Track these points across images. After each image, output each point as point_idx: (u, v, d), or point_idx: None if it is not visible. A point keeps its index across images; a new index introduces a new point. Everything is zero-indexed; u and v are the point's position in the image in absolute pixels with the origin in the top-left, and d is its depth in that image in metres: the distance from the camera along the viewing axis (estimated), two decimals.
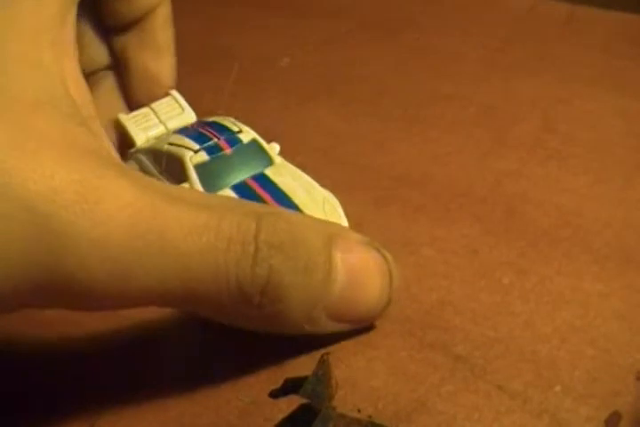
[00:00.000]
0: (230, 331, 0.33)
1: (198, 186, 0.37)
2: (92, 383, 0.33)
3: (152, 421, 0.31)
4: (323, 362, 0.31)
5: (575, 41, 0.55)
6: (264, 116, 0.47)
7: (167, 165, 0.39)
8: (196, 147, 0.38)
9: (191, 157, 0.38)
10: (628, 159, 0.44)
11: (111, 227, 0.27)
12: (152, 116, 0.42)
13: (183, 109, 0.42)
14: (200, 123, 0.41)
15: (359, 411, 0.31)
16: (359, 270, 0.32)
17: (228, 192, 0.37)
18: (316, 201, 0.37)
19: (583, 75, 0.52)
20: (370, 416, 0.31)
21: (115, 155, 0.32)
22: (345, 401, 0.31)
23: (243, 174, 0.38)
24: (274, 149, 0.41)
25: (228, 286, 0.29)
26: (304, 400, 0.29)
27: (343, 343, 0.34)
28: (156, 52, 0.42)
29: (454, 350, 0.33)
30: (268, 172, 0.38)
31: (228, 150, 0.38)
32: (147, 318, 0.35)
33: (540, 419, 0.30)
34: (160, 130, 0.41)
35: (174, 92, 0.42)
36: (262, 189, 0.37)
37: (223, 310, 0.30)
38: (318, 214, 0.36)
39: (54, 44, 0.31)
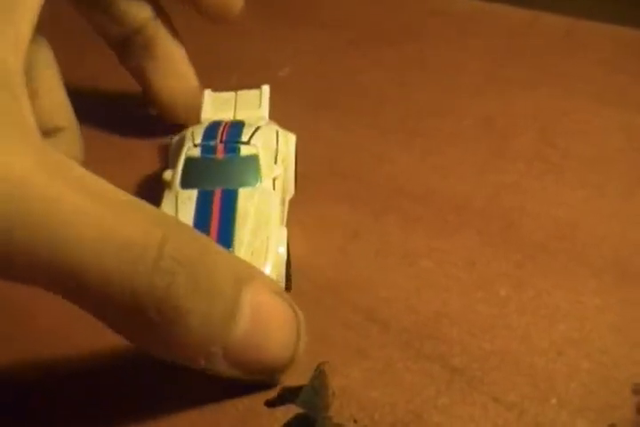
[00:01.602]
0: None
1: (178, 176, 0.38)
2: (85, 391, 0.33)
3: None
4: (319, 372, 0.31)
5: (575, 55, 0.55)
6: None
7: (178, 148, 0.40)
8: (198, 141, 0.39)
9: (188, 149, 0.39)
10: (626, 174, 0.44)
11: None
12: (232, 101, 0.44)
13: (260, 106, 0.43)
14: (231, 121, 0.41)
15: (355, 421, 0.31)
16: (266, 320, 0.30)
17: (193, 194, 0.37)
18: (255, 240, 0.35)
19: (583, 89, 0.52)
20: None
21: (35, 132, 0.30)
22: (341, 411, 0.31)
23: (219, 184, 0.37)
24: (290, 139, 0.42)
25: (121, 289, 0.27)
26: (300, 410, 0.29)
27: (340, 353, 0.34)
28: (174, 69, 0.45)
29: (451, 361, 0.33)
30: (242, 192, 0.37)
31: (221, 156, 0.38)
32: None
33: None
34: (227, 115, 0.43)
35: (265, 87, 0.44)
36: (219, 206, 0.36)
37: (111, 314, 0.28)
38: (243, 252, 0.35)
39: None
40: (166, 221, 0.30)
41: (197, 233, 0.31)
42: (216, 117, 0.42)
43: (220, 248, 0.31)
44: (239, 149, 0.39)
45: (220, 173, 0.38)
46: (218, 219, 0.36)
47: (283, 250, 0.36)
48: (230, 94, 0.44)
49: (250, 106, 0.43)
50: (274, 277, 0.35)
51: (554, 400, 0.32)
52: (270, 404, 0.31)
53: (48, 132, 0.42)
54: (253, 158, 0.39)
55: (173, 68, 0.46)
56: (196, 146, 0.39)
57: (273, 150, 0.40)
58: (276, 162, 0.40)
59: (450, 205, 0.42)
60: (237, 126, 0.40)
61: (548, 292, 0.36)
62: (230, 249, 0.35)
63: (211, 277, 0.28)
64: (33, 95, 0.39)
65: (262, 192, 0.37)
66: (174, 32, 0.47)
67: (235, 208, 0.36)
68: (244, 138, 0.39)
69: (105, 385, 0.33)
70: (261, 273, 0.32)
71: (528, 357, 0.33)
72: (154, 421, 0.31)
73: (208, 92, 0.44)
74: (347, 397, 0.32)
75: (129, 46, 0.46)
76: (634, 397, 0.32)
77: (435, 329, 0.35)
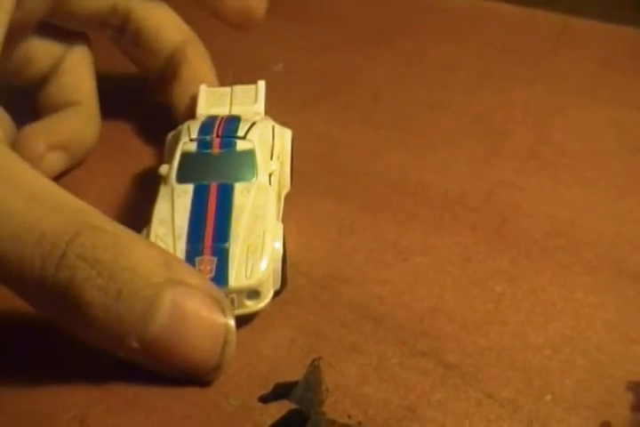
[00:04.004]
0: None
1: (174, 171, 0.38)
2: (82, 381, 0.32)
3: (141, 421, 0.31)
4: (313, 367, 0.31)
5: (570, 52, 0.55)
6: None
7: (174, 143, 0.40)
8: (194, 136, 0.39)
9: (184, 144, 0.39)
10: (621, 171, 0.44)
11: None
12: (227, 96, 0.44)
13: (256, 101, 0.43)
14: (227, 116, 0.41)
15: (349, 417, 0.31)
16: (187, 321, 0.31)
17: (189, 189, 0.37)
18: (251, 234, 0.35)
19: (577, 86, 0.52)
20: (360, 423, 0.31)
21: None
22: (335, 407, 0.31)
23: (215, 178, 0.37)
24: (286, 134, 0.41)
25: (31, 274, 0.30)
26: (294, 406, 0.29)
27: (334, 349, 0.34)
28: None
29: (445, 357, 0.33)
30: (238, 186, 0.37)
31: (217, 150, 0.38)
32: None
33: None
34: (223, 110, 0.42)
35: (261, 83, 0.44)
36: (215, 200, 0.36)
37: (30, 298, 0.32)
38: (239, 247, 0.35)
39: None
40: (86, 219, 0.31)
41: (123, 234, 0.32)
42: (211, 113, 0.42)
43: (149, 248, 0.32)
44: (235, 143, 0.39)
45: (216, 167, 0.38)
46: (214, 213, 0.36)
47: (279, 245, 0.35)
48: (226, 89, 0.44)
49: (245, 101, 0.43)
50: (269, 272, 0.34)
51: (548, 397, 0.31)
52: (264, 400, 0.31)
53: (61, 106, 0.45)
54: (249, 153, 0.38)
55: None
56: (192, 140, 0.39)
57: (269, 146, 0.40)
58: (272, 157, 0.39)
59: (445, 201, 0.42)
60: (233, 121, 0.40)
61: (544, 288, 0.36)
62: (226, 244, 0.35)
63: (125, 274, 0.30)
64: (54, 73, 0.45)
65: (258, 187, 0.37)
66: (202, 54, 0.48)
67: (231, 203, 0.36)
68: (241, 133, 0.39)
69: (99, 375, 0.33)
70: (200, 278, 0.33)
71: (523, 353, 0.33)
72: (147, 413, 0.31)
73: (203, 88, 0.44)
74: (341, 393, 0.32)
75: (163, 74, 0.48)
76: (629, 394, 0.32)
77: (429, 325, 0.35)
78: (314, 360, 0.31)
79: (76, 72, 0.46)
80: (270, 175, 0.38)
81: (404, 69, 0.54)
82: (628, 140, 0.46)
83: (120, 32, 0.47)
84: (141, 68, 0.49)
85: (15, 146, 0.41)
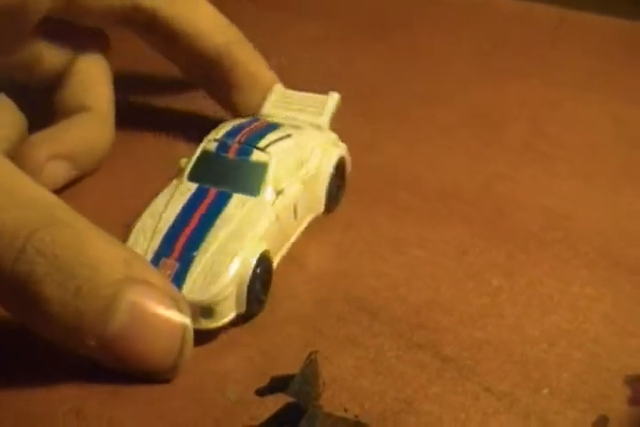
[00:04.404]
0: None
1: (189, 167, 0.37)
2: (77, 374, 0.32)
3: (137, 414, 0.31)
4: (310, 361, 0.31)
5: (566, 45, 0.55)
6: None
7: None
8: (219, 136, 0.38)
9: (207, 142, 0.38)
10: (617, 163, 0.44)
11: None
12: (296, 102, 0.42)
13: (322, 114, 0.42)
14: (266, 123, 0.40)
15: (346, 410, 0.31)
16: (146, 320, 0.31)
17: (192, 188, 0.36)
18: (223, 250, 0.34)
19: (573, 78, 0.52)
20: (356, 416, 0.30)
21: None
22: (332, 400, 0.31)
23: (219, 183, 0.36)
24: (331, 156, 0.40)
25: None
26: (291, 399, 0.29)
27: (331, 342, 0.34)
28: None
29: (442, 351, 0.33)
30: (235, 198, 0.36)
31: (232, 156, 0.37)
32: None
33: (528, 421, 0.30)
34: (286, 115, 0.42)
35: (335, 95, 0.42)
36: (207, 206, 0.36)
37: None
38: (204, 259, 0.34)
39: None
40: (52, 214, 0.31)
41: (87, 230, 0.31)
42: (274, 115, 0.41)
43: (110, 246, 0.31)
44: (252, 153, 0.37)
45: (224, 173, 0.37)
46: (198, 219, 0.35)
47: (249, 268, 0.34)
48: (298, 95, 0.43)
49: (312, 111, 0.42)
50: (228, 292, 0.33)
51: (545, 390, 0.31)
52: (260, 393, 0.31)
53: (72, 111, 0.44)
54: (262, 166, 0.37)
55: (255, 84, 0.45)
56: (215, 140, 0.38)
57: (293, 163, 0.38)
58: (291, 175, 0.38)
59: (440, 194, 0.42)
60: (265, 130, 0.39)
61: (541, 282, 0.36)
62: (195, 253, 0.34)
63: (85, 271, 0.30)
64: (67, 75, 0.45)
65: (256, 203, 0.36)
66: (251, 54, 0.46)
67: (220, 212, 0.35)
68: (262, 144, 0.37)
69: (94, 366, 0.33)
70: (161, 279, 0.32)
71: (520, 346, 0.33)
72: (143, 406, 0.31)
73: (277, 87, 0.43)
74: (337, 386, 0.32)
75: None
76: (626, 388, 0.31)
77: (426, 318, 0.35)
78: (310, 354, 0.31)
79: (90, 76, 0.45)
80: (278, 193, 0.37)
81: (400, 63, 0.54)
82: (624, 133, 0.46)
83: (147, 31, 0.45)
84: (181, 70, 0.48)
85: (19, 154, 0.40)
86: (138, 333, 0.31)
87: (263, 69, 0.46)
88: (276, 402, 0.30)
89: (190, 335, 0.32)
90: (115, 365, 0.31)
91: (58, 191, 0.40)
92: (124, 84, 0.47)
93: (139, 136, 0.48)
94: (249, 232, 0.35)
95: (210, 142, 0.38)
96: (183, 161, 0.38)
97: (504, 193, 0.42)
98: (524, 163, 0.44)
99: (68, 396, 0.31)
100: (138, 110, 0.50)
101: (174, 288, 0.32)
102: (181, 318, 0.31)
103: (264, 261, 0.35)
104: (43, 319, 0.30)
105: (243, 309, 0.34)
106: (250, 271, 0.34)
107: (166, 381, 0.32)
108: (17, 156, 0.40)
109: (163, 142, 0.47)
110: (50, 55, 0.45)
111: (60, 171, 0.42)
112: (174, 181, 0.37)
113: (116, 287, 0.30)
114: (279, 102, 0.42)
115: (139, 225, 0.35)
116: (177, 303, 0.31)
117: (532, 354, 0.33)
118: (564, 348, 0.33)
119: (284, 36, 0.56)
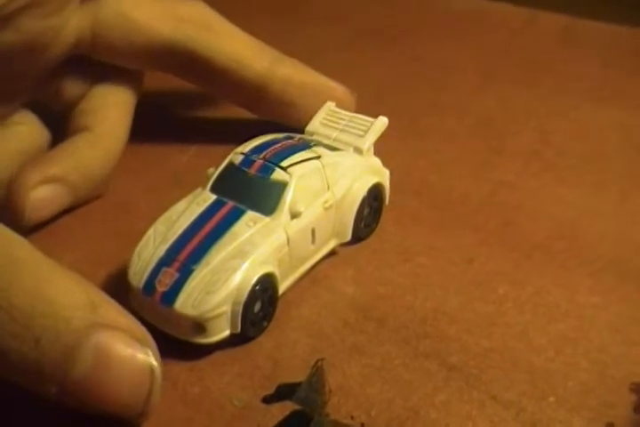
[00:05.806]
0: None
1: (214, 177, 0.37)
2: None
3: (143, 424, 0.31)
4: (317, 368, 0.31)
5: (572, 53, 0.55)
6: (261, 121, 0.47)
7: None
8: (246, 150, 0.38)
9: (234, 154, 0.38)
10: (623, 172, 0.44)
11: None
12: (343, 121, 0.41)
13: (363, 136, 0.40)
14: (300, 141, 0.39)
15: (352, 418, 0.31)
16: (110, 367, 0.29)
17: (210, 200, 0.36)
18: (222, 266, 0.33)
19: (580, 87, 0.52)
20: (363, 424, 0.31)
21: None
22: (338, 408, 0.31)
23: (235, 198, 0.36)
24: (365, 183, 0.39)
25: None
26: (297, 406, 0.29)
27: (337, 350, 0.34)
28: None
29: (449, 359, 0.33)
30: (248, 215, 0.35)
31: (253, 172, 0.36)
32: None
33: None
34: (329, 134, 0.41)
35: (383, 119, 0.41)
36: (218, 220, 0.35)
37: None
38: (202, 275, 0.33)
39: None
40: (9, 255, 0.29)
41: (47, 271, 0.30)
42: (319, 132, 0.41)
43: (73, 287, 0.30)
44: (273, 171, 0.36)
45: (243, 188, 0.36)
46: (206, 232, 0.35)
47: (246, 289, 0.33)
48: (346, 114, 0.42)
49: (355, 131, 0.41)
50: (220, 311, 0.33)
51: (552, 399, 0.31)
52: (267, 400, 0.31)
53: (73, 132, 0.43)
54: (281, 186, 0.36)
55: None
56: (242, 154, 0.37)
57: (316, 186, 0.37)
58: (313, 198, 0.37)
59: (448, 202, 0.42)
60: (293, 149, 0.38)
61: (547, 290, 0.36)
62: (195, 266, 0.33)
63: (40, 320, 0.28)
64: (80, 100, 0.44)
65: (268, 223, 0.35)
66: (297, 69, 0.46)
67: (229, 227, 0.35)
68: (285, 163, 0.36)
69: None
70: (130, 322, 0.30)
71: (526, 355, 0.33)
72: (151, 420, 0.31)
73: (328, 105, 0.42)
74: (344, 394, 0.32)
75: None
76: (632, 395, 0.31)
77: (432, 327, 0.35)
78: (317, 361, 0.31)
79: (99, 100, 0.44)
80: (295, 216, 0.36)
81: (406, 71, 0.54)
82: (631, 142, 0.46)
83: (184, 70, 0.45)
84: (224, 98, 0.48)
85: (12, 179, 0.40)
86: (102, 378, 0.29)
87: (319, 78, 0.46)
88: (283, 410, 0.30)
89: (158, 376, 0.30)
90: (82, 409, 0.30)
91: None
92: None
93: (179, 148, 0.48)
94: (254, 251, 0.34)
95: (236, 155, 0.38)
96: (210, 170, 0.38)
97: (511, 201, 0.42)
98: (530, 171, 0.44)
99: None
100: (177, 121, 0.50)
101: (141, 329, 0.30)
102: (148, 360, 0.29)
103: (266, 283, 0.34)
104: (2, 367, 0.29)
105: (237, 329, 0.34)
106: (246, 292, 0.33)
107: (137, 425, 0.31)
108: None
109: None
110: (71, 85, 0.44)
111: (52, 194, 0.41)
112: (198, 189, 0.37)
113: (78, 334, 0.28)
114: (326, 120, 0.42)
115: (151, 230, 0.35)
116: (144, 346, 0.30)
117: (538, 363, 0.33)
118: (570, 356, 0.33)
119: (288, 43, 0.55)
